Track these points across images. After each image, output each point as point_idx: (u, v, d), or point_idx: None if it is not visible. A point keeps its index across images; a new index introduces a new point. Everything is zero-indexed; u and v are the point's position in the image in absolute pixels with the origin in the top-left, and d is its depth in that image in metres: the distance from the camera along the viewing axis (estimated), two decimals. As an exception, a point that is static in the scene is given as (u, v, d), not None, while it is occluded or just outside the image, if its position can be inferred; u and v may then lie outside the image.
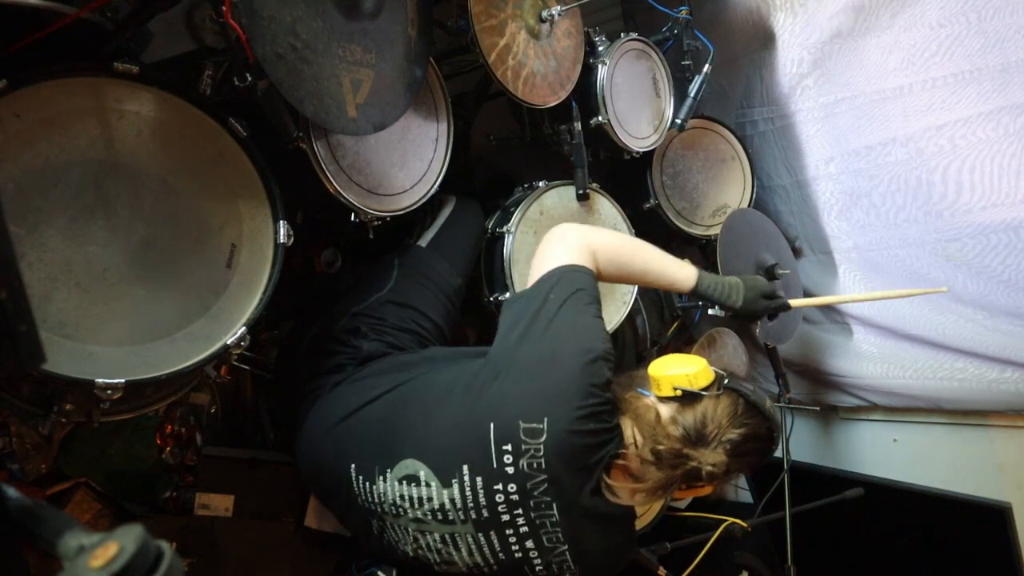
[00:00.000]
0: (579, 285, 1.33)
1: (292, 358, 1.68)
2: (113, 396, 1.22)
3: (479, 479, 1.26)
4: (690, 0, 2.26)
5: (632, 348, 2.51)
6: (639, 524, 1.39)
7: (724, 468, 1.25)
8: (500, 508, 1.27)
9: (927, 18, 2.08)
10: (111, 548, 0.54)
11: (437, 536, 1.33)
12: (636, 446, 1.27)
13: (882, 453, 2.64)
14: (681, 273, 1.50)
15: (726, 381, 1.30)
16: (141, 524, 0.57)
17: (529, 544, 1.29)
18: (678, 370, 1.28)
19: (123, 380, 1.22)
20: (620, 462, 1.27)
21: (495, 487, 1.25)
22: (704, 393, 1.26)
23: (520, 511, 1.27)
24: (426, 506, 1.31)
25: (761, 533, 2.42)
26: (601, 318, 1.34)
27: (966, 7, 1.99)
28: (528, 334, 1.29)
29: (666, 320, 2.60)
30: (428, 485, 1.30)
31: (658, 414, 1.28)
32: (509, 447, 1.23)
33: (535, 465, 1.23)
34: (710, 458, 1.24)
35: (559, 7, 1.92)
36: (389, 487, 1.35)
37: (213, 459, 1.78)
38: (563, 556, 1.30)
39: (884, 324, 2.48)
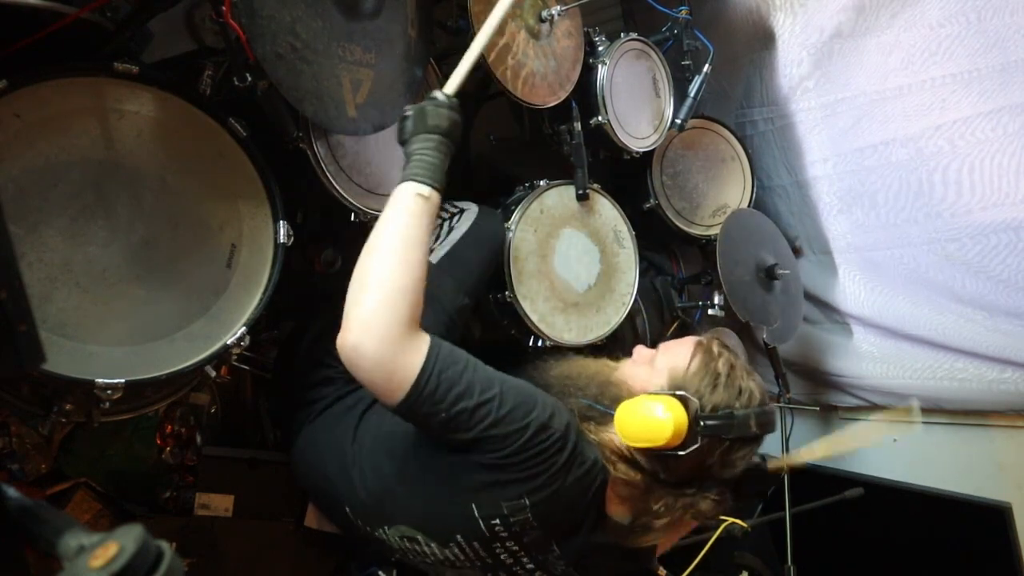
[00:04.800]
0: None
1: (291, 359, 1.68)
2: (113, 396, 1.22)
3: (475, 543, 1.26)
4: (690, 0, 2.26)
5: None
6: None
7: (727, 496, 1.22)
8: (502, 556, 1.27)
9: (927, 18, 2.08)
10: (111, 548, 0.54)
11: (449, 574, 1.36)
12: (616, 482, 1.24)
13: (882, 453, 2.64)
14: (431, 206, 1.21)
15: (703, 424, 1.16)
16: (141, 524, 0.57)
17: (539, 574, 1.31)
18: (643, 433, 1.16)
19: (123, 380, 1.22)
20: (611, 491, 1.25)
21: (493, 545, 1.26)
22: (677, 453, 1.16)
23: (524, 556, 1.27)
24: (430, 558, 1.33)
25: (761, 533, 2.42)
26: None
27: (966, 7, 1.99)
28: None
29: (666, 320, 2.60)
30: (428, 545, 1.30)
31: (623, 457, 1.22)
32: (497, 521, 1.21)
33: (527, 526, 1.22)
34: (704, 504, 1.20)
35: (559, 7, 1.92)
36: (390, 538, 1.35)
37: (213, 459, 1.78)
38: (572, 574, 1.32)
39: (884, 324, 2.48)
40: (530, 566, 1.29)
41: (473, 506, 1.21)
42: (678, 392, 1.19)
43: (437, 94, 1.29)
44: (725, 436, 1.17)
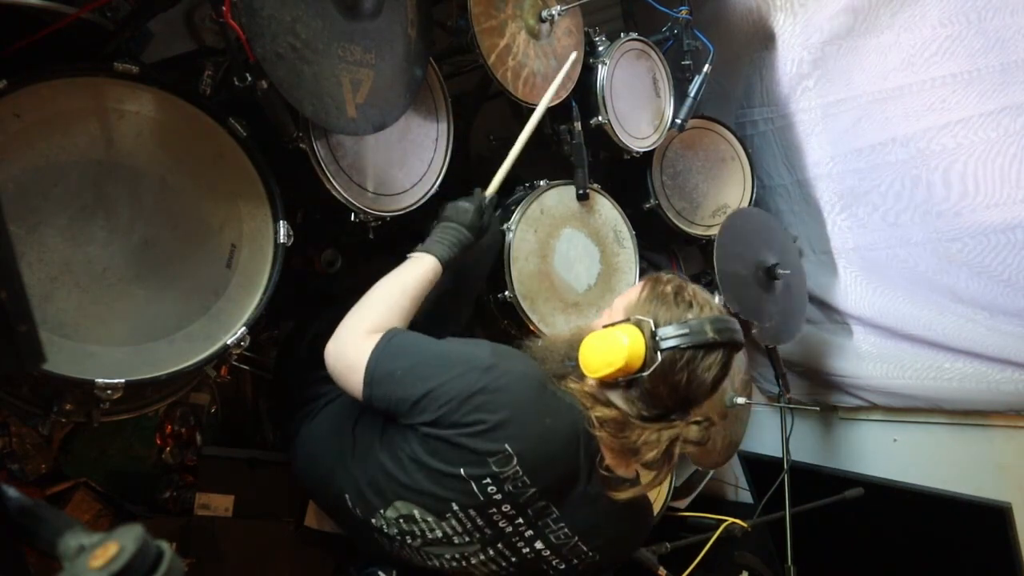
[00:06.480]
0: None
1: (291, 360, 1.68)
2: (113, 396, 1.22)
3: (471, 510, 1.26)
4: (690, 0, 2.26)
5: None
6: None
7: (712, 414, 1.24)
8: (501, 523, 1.28)
9: (927, 18, 2.08)
10: (111, 548, 0.54)
11: (447, 555, 1.35)
12: (594, 424, 1.24)
13: (882, 453, 2.64)
14: (423, 267, 1.42)
15: (658, 339, 1.19)
16: (141, 524, 0.57)
17: (538, 545, 1.31)
18: (602, 360, 1.20)
19: (123, 380, 1.22)
20: (599, 433, 1.25)
21: (490, 511, 1.26)
22: (642, 375, 1.19)
23: (521, 521, 1.28)
24: (429, 536, 1.33)
25: (761, 533, 2.42)
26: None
27: (966, 7, 1.99)
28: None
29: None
30: (425, 520, 1.31)
31: (597, 399, 1.25)
32: (488, 480, 1.22)
33: (520, 484, 1.23)
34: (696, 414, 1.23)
35: (559, 7, 1.92)
36: (387, 522, 1.36)
37: (213, 459, 1.78)
38: (576, 546, 1.31)
39: (884, 324, 2.48)
40: (529, 533, 1.29)
41: (461, 469, 1.22)
42: (632, 318, 1.24)
43: (477, 191, 1.58)
44: (683, 345, 1.18)
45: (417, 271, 1.41)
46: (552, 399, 1.24)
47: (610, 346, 1.20)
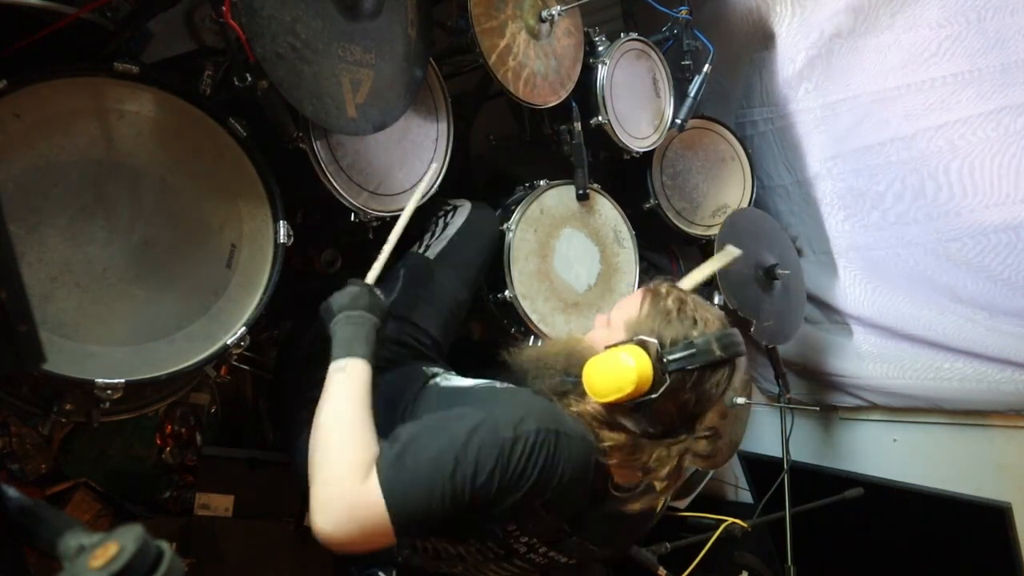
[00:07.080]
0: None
1: (291, 360, 1.68)
2: (113, 396, 1.22)
3: (489, 542, 1.26)
4: (690, 0, 2.26)
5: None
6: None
7: (719, 424, 1.22)
8: (515, 546, 1.28)
9: (927, 18, 2.08)
10: (111, 548, 0.54)
11: (460, 568, 1.35)
12: (606, 452, 1.22)
13: (882, 453, 2.64)
14: (359, 375, 1.25)
15: (666, 360, 1.16)
16: (141, 524, 0.57)
17: (552, 553, 1.32)
18: (610, 385, 1.17)
19: (123, 380, 1.22)
20: (611, 462, 1.24)
21: (508, 541, 1.26)
22: (651, 397, 1.16)
23: (536, 541, 1.28)
24: (443, 555, 1.32)
25: (761, 533, 2.42)
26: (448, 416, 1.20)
27: (966, 7, 1.99)
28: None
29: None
30: (440, 542, 1.30)
31: (603, 422, 1.22)
32: (513, 525, 1.22)
33: (539, 517, 1.22)
34: (699, 432, 1.20)
35: (559, 7, 1.91)
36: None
37: (213, 459, 1.78)
38: (584, 545, 1.32)
39: (884, 324, 2.48)
40: (543, 549, 1.29)
41: (484, 523, 1.21)
42: (636, 338, 1.20)
43: (352, 280, 1.40)
44: (691, 366, 1.17)
45: (358, 382, 1.24)
46: (566, 440, 1.19)
47: (617, 370, 1.17)
